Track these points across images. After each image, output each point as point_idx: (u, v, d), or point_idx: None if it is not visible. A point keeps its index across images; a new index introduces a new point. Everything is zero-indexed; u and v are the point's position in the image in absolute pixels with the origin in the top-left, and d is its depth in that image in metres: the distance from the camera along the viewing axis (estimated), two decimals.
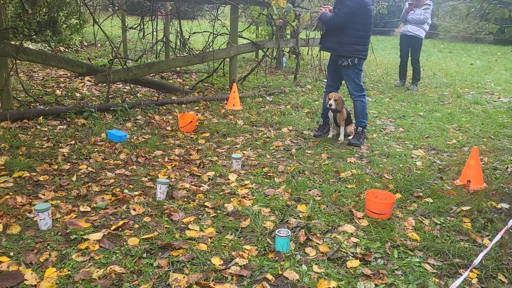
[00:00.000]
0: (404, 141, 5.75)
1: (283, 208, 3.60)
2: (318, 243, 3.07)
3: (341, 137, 5.65)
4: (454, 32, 21.88)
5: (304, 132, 5.99)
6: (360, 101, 5.49)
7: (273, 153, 5.09)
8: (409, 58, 9.43)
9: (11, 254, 2.75)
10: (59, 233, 3.04)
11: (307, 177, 4.35)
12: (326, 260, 2.86)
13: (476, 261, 2.29)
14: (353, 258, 2.90)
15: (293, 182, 4.13)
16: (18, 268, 2.60)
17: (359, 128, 5.58)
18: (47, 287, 2.44)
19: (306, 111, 7.07)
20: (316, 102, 7.64)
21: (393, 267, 2.84)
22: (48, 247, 2.87)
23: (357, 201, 3.78)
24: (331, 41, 5.37)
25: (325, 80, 8.53)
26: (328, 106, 5.36)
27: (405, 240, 3.19)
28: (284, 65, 11.35)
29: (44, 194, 3.63)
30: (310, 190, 3.99)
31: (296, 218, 3.43)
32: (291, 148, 5.27)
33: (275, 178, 4.27)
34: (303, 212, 3.54)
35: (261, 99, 7.57)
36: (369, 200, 3.52)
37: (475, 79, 10.90)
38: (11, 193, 3.58)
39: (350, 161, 4.84)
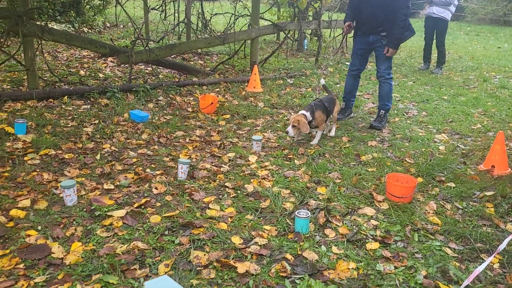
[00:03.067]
0: (427, 125, 5.65)
1: (303, 190, 3.61)
2: (338, 225, 3.07)
3: (332, 133, 5.12)
4: (481, 15, 21.20)
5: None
6: (388, 83, 5.39)
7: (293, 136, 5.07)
8: (434, 41, 9.20)
9: (39, 228, 2.85)
10: (84, 209, 3.13)
11: (327, 159, 4.34)
12: (345, 242, 2.87)
13: (501, 246, 2.27)
14: (372, 241, 2.90)
15: (313, 165, 4.13)
16: (46, 242, 2.69)
17: (381, 111, 5.50)
18: (73, 260, 2.53)
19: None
20: (338, 85, 7.55)
21: (413, 250, 2.83)
22: (74, 222, 2.95)
23: (377, 185, 3.76)
24: (378, 21, 5.11)
25: (347, 63, 8.42)
26: (286, 132, 4.62)
27: (426, 224, 3.17)
28: (305, 47, 11.22)
29: (69, 172, 3.72)
30: (330, 173, 3.98)
31: (315, 200, 3.44)
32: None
33: (295, 160, 4.28)
34: (323, 194, 3.54)
35: (282, 82, 7.53)
36: (390, 183, 3.50)
37: (503, 62, 10.57)
38: (38, 170, 3.68)
39: (371, 145, 4.80)
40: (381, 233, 2.99)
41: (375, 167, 4.16)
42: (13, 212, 2.98)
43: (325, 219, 3.11)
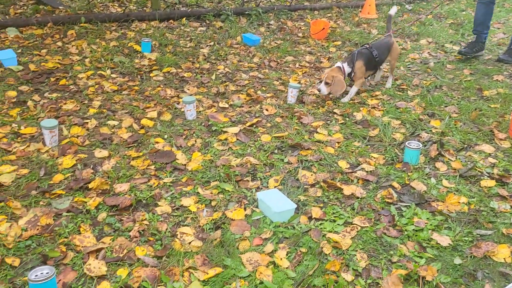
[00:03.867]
0: None
1: (415, 121, 3.49)
2: (451, 159, 2.96)
3: (388, 84, 4.22)
4: None
5: (445, 45, 5.49)
6: None
7: (408, 66, 4.82)
8: None
9: (165, 137, 3.19)
10: (202, 124, 3.40)
11: (444, 92, 4.08)
12: (457, 177, 2.77)
13: None
14: (488, 178, 2.76)
15: (428, 97, 3.92)
16: (171, 149, 3.01)
17: None
18: (194, 167, 2.82)
19: (449, 22, 6.40)
20: (463, 12, 6.82)
21: None
22: (194, 134, 3.24)
23: (500, 122, 3.48)
24: None
25: None
26: (318, 90, 3.81)
27: None
28: None
29: (188, 89, 4.01)
30: (446, 106, 3.76)
31: (428, 133, 3.32)
32: (428, 61, 4.91)
33: (408, 91, 4.09)
34: (436, 128, 3.39)
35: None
36: None
37: None
38: (162, 86, 4.03)
39: (497, 79, 4.37)
40: (499, 172, 2.83)
41: (499, 104, 3.82)
42: (144, 121, 3.35)
43: (437, 152, 3.01)
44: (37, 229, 2.18)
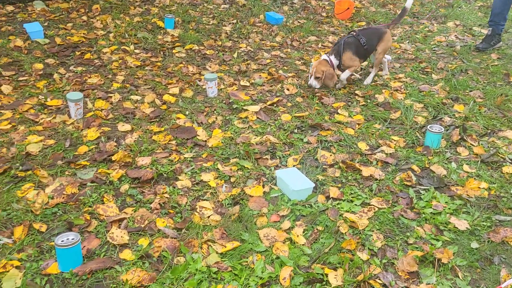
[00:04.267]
0: None
1: (438, 105, 3.44)
2: (473, 145, 2.93)
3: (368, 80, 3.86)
4: None
5: (473, 28, 5.34)
6: None
7: (434, 49, 4.71)
8: None
9: (186, 113, 3.22)
10: (223, 101, 3.42)
11: (469, 76, 4.00)
12: (479, 162, 2.74)
13: None
14: (510, 164, 2.73)
15: (452, 81, 3.85)
16: (192, 125, 3.05)
17: None
18: (215, 144, 2.86)
19: (479, 5, 6.21)
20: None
21: None
22: (215, 112, 3.27)
23: None
24: None
25: None
26: (308, 84, 3.68)
27: None
28: None
29: (210, 67, 4.03)
30: (471, 91, 3.69)
31: (451, 117, 3.27)
32: (455, 44, 4.80)
33: (433, 75, 4.02)
34: (459, 112, 3.34)
35: None
36: None
37: None
38: (184, 63, 4.06)
39: None
40: None
41: None
42: (166, 97, 3.39)
43: (459, 137, 2.98)
44: (63, 198, 2.26)
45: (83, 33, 4.39)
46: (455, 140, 2.96)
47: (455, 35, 5.09)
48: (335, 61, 3.59)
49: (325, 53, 3.67)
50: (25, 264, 1.86)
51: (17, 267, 1.83)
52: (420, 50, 4.62)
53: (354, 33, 3.64)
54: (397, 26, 5.29)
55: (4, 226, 2.06)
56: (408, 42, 4.85)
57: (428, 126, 2.91)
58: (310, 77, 3.61)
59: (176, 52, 4.24)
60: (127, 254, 1.95)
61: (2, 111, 3.04)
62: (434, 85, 3.81)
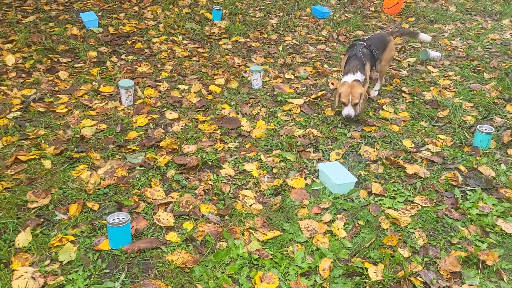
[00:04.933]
0: None
1: (489, 105, 3.33)
2: None
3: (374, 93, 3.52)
4: None
5: None
6: None
7: (487, 46, 4.54)
8: None
9: (231, 103, 3.29)
10: (268, 94, 3.46)
11: None
12: None
13: None
14: None
15: (506, 80, 3.70)
16: (236, 116, 3.11)
17: None
18: (258, 135, 2.90)
19: None
20: None
21: None
22: (259, 103, 3.31)
23: None
24: None
25: None
26: (344, 116, 3.05)
27: None
28: None
29: (255, 59, 4.07)
30: None
31: (502, 118, 3.16)
32: (510, 43, 4.60)
33: (485, 73, 3.89)
34: None
35: None
36: None
37: None
38: (230, 54, 4.12)
39: None
40: None
41: None
42: (212, 87, 3.47)
43: (510, 138, 2.87)
44: (114, 179, 2.38)
45: (135, 23, 4.54)
46: (505, 141, 2.86)
47: (510, 33, 4.88)
48: (362, 78, 3.12)
49: (345, 74, 3.11)
50: (79, 240, 1.98)
51: (72, 242, 1.95)
52: (472, 48, 4.47)
53: (365, 43, 3.24)
54: (449, 22, 5.14)
55: (60, 203, 2.20)
56: (460, 39, 4.70)
57: (478, 126, 2.83)
58: (345, 106, 3.00)
59: (223, 44, 4.31)
60: (172, 236, 2.03)
61: (59, 95, 3.21)
62: (485, 84, 3.69)
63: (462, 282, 1.86)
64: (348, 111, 2.99)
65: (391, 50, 3.45)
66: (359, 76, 3.07)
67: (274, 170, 2.56)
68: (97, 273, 1.82)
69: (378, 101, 3.40)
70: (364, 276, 1.85)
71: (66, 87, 3.33)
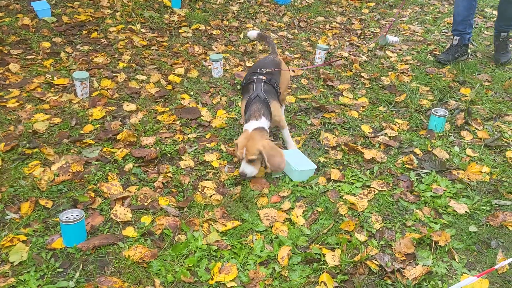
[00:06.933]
0: None
1: (444, 88, 3.41)
2: (477, 129, 2.92)
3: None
4: None
5: (485, 9, 5.24)
6: None
7: (443, 31, 4.65)
8: None
9: (191, 93, 3.24)
10: (228, 82, 3.43)
11: (478, 60, 3.95)
12: (482, 146, 2.74)
13: None
14: None
15: (460, 64, 3.80)
16: (196, 106, 3.07)
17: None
18: (218, 124, 2.88)
19: None
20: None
21: None
22: (220, 92, 3.28)
23: None
24: None
25: None
26: (241, 175, 2.35)
27: None
28: None
29: (216, 47, 4.02)
30: (479, 74, 3.66)
31: (457, 101, 3.25)
32: None
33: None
34: (466, 96, 3.32)
35: None
36: None
37: None
38: (190, 43, 4.05)
39: None
40: None
41: None
42: (171, 77, 3.40)
43: (464, 121, 2.97)
44: (68, 175, 2.31)
45: (90, 12, 4.39)
46: (459, 124, 2.95)
47: None
48: (267, 124, 2.43)
49: (247, 120, 2.43)
50: (31, 239, 1.92)
51: (23, 242, 1.89)
52: (429, 32, 4.57)
53: (263, 77, 2.56)
54: (407, 7, 5.21)
55: (11, 202, 2.12)
56: (418, 24, 4.79)
57: (433, 110, 2.90)
58: (241, 163, 2.34)
59: (183, 32, 4.23)
60: (129, 231, 2.00)
61: (9, 89, 3.08)
62: (441, 68, 3.78)
63: (416, 263, 1.91)
64: (242, 168, 2.33)
65: (285, 73, 2.80)
66: (263, 122, 2.40)
67: (235, 160, 2.55)
68: (50, 272, 1.77)
69: (338, 86, 3.43)
70: (321, 262, 1.88)
71: (17, 80, 3.20)
